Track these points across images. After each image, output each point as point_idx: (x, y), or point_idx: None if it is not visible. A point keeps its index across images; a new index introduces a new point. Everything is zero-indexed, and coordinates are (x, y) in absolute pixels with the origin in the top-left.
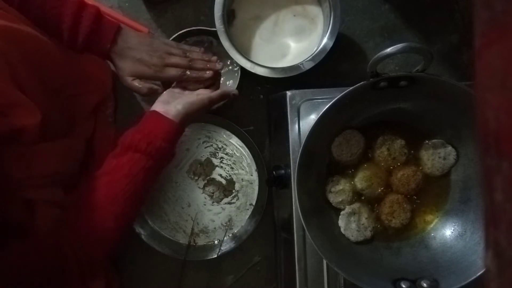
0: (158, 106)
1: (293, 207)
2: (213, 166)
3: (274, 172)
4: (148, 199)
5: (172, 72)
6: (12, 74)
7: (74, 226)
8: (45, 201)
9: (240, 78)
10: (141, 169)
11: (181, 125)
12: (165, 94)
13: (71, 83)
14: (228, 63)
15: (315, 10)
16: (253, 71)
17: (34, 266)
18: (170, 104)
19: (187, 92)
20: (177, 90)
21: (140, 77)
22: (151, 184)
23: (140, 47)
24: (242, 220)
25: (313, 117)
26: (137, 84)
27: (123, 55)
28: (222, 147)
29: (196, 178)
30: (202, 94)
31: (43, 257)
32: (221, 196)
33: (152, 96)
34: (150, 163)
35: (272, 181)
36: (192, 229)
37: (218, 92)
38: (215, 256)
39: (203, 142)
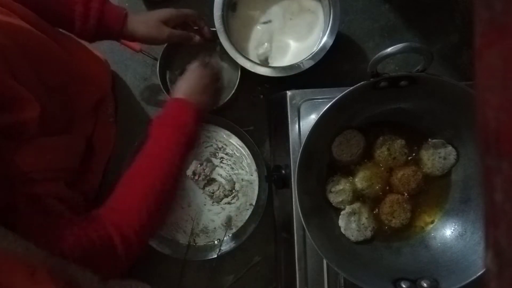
0: (177, 95)
1: (293, 207)
2: (213, 166)
3: (275, 176)
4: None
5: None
6: (10, 68)
7: (116, 205)
8: (49, 194)
9: (240, 78)
10: (176, 143)
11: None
12: (181, 84)
13: (70, 81)
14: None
15: (314, 8)
16: (253, 70)
17: (85, 250)
18: (184, 91)
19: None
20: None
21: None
22: (183, 165)
23: (148, 24)
24: (242, 220)
25: (313, 117)
26: (173, 30)
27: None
28: (222, 147)
29: (196, 178)
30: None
31: (92, 240)
32: (221, 196)
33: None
34: (182, 139)
35: (271, 177)
36: (192, 229)
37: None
38: (215, 256)
39: (203, 142)
